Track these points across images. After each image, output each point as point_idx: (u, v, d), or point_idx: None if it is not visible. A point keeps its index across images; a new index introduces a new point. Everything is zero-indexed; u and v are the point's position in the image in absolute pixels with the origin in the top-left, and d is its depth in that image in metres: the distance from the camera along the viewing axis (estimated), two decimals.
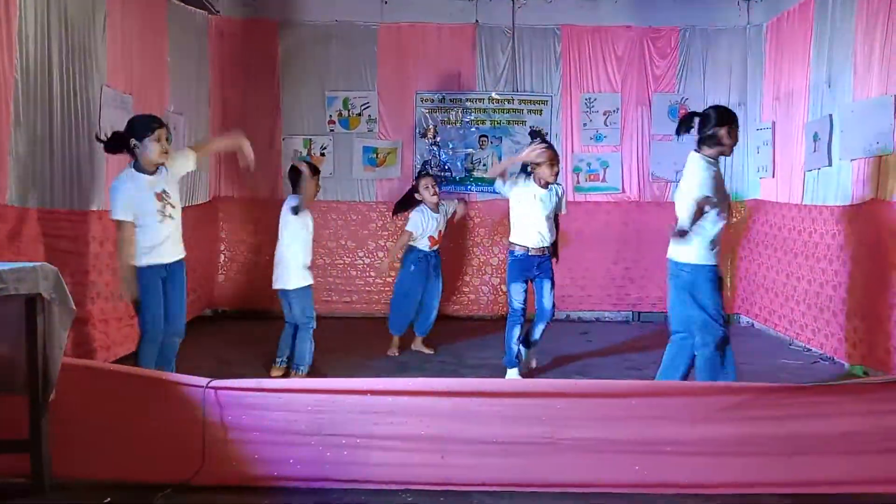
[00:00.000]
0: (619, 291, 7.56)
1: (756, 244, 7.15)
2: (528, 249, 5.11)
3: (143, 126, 4.22)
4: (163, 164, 4.28)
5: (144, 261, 4.21)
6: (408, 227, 5.89)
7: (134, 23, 5.73)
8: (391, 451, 3.29)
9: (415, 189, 5.99)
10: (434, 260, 5.98)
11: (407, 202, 6.02)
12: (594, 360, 5.82)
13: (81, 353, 4.71)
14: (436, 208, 5.92)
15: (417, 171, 7.35)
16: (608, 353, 6.00)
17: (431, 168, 7.70)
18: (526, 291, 5.17)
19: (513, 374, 5.22)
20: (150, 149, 4.18)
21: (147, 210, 4.19)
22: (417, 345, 6.10)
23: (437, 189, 5.95)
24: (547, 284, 5.17)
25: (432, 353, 6.04)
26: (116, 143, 4.23)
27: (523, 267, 5.13)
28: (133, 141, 4.17)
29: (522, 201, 5.12)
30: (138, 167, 4.21)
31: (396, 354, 5.97)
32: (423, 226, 5.87)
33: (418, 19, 7.60)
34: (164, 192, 4.28)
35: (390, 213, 7.67)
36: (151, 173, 4.24)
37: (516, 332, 5.18)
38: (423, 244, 5.88)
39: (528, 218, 5.11)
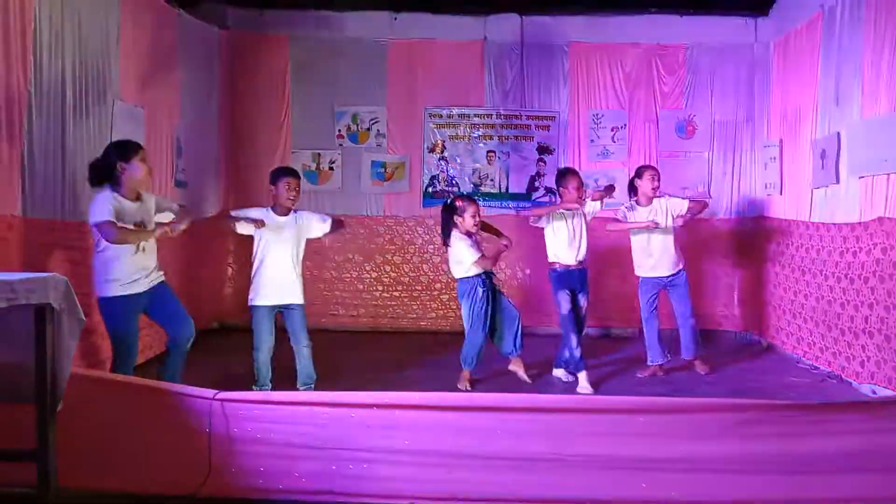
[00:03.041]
0: (627, 307, 7.52)
1: (763, 261, 7.13)
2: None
3: (129, 146, 4.20)
4: (145, 189, 4.27)
5: (114, 291, 4.13)
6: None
7: (146, 37, 5.80)
8: (397, 465, 3.28)
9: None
10: (490, 280, 5.54)
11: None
12: (602, 375, 5.80)
13: (90, 363, 4.73)
14: None
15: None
16: (616, 369, 5.98)
17: (439, 182, 7.73)
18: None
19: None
20: (138, 169, 4.14)
21: None
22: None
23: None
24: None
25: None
26: (101, 172, 4.15)
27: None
28: (120, 164, 4.10)
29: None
30: (120, 193, 4.12)
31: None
32: None
33: (428, 36, 7.66)
34: (143, 223, 4.22)
35: (398, 227, 7.73)
36: (133, 201, 4.18)
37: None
38: None
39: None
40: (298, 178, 5.11)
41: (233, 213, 5.02)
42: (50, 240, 4.49)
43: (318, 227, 5.15)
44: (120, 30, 5.36)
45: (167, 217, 4.40)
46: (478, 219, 5.46)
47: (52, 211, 4.53)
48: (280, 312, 5.02)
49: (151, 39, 5.91)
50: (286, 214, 5.00)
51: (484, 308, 5.40)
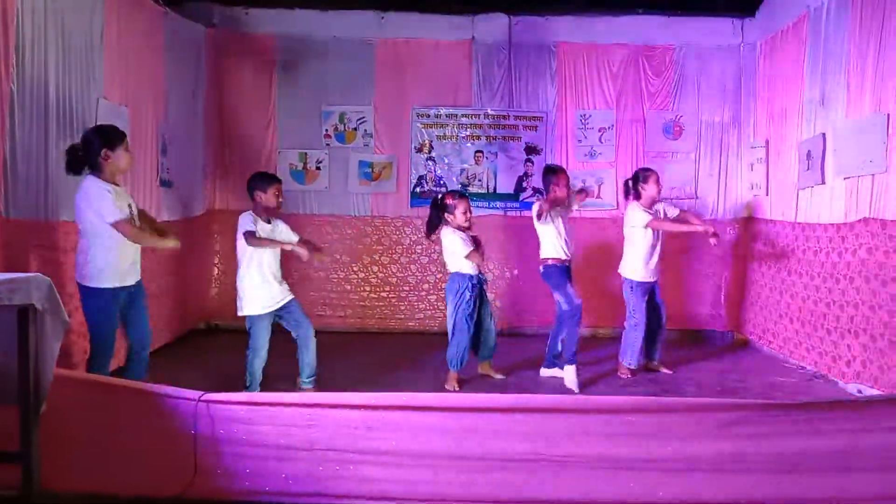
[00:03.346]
0: (614, 308, 7.52)
1: (749, 262, 7.17)
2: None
3: (115, 135, 4.16)
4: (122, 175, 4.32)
5: (106, 282, 4.09)
6: None
7: (131, 35, 5.74)
8: (383, 466, 3.26)
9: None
10: (479, 283, 5.60)
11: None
12: (589, 376, 5.80)
13: (73, 364, 4.68)
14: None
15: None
16: (603, 370, 5.98)
17: (426, 183, 7.72)
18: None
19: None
20: (121, 157, 4.14)
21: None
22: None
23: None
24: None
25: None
26: (81, 158, 4.09)
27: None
28: (105, 151, 4.06)
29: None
30: (102, 179, 4.09)
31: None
32: None
33: (415, 35, 7.64)
34: (131, 207, 4.22)
35: (385, 228, 7.71)
36: (117, 186, 4.17)
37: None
38: None
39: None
40: (280, 182, 5.10)
41: (258, 236, 4.82)
42: (32, 240, 4.44)
43: (290, 237, 5.06)
44: (104, 27, 5.30)
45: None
46: (469, 215, 5.45)
47: (34, 211, 4.48)
48: (277, 314, 4.98)
49: (136, 37, 5.86)
50: (267, 220, 4.97)
51: (470, 311, 5.40)
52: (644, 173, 5.88)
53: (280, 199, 4.99)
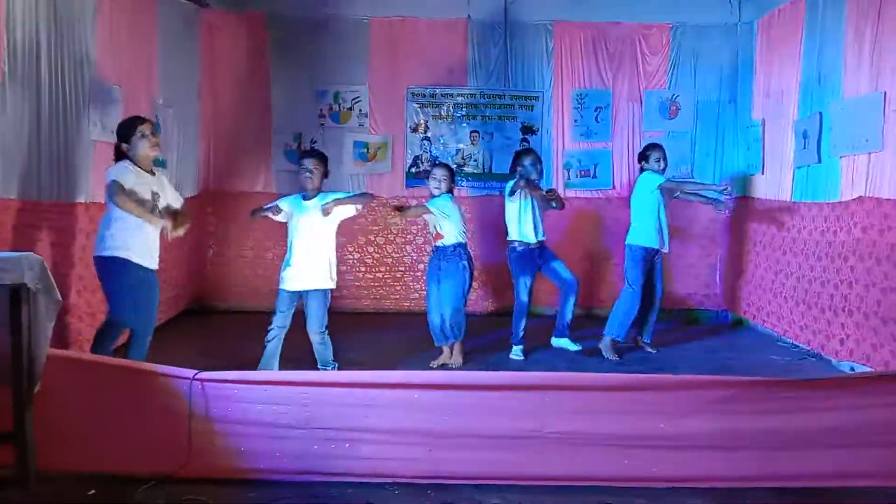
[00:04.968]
0: (608, 288, 7.55)
1: (744, 240, 7.16)
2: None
3: (127, 127, 4.29)
4: (156, 157, 4.40)
5: (135, 258, 4.17)
6: None
7: (123, 13, 5.69)
8: (378, 444, 3.28)
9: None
10: (440, 260, 5.43)
11: None
12: (582, 355, 5.82)
13: (68, 345, 4.68)
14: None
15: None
16: (596, 349, 5.99)
17: (422, 163, 7.69)
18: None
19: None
20: (139, 146, 4.24)
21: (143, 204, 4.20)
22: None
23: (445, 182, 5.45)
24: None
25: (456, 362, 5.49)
26: (116, 152, 4.32)
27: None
28: (124, 145, 4.24)
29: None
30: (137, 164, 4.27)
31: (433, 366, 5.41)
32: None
33: (410, 13, 7.57)
34: (156, 193, 4.31)
35: (381, 208, 7.69)
36: (150, 174, 4.31)
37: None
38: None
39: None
40: (311, 156, 5.02)
41: (265, 206, 4.97)
42: (24, 220, 4.41)
43: (346, 203, 4.94)
44: (97, 5, 5.25)
45: (174, 197, 4.50)
46: (438, 182, 5.42)
47: (27, 191, 4.45)
48: (302, 298, 4.88)
49: (129, 16, 5.80)
50: (313, 197, 4.89)
51: (429, 284, 5.51)
52: (647, 151, 5.94)
53: (305, 174, 4.90)
